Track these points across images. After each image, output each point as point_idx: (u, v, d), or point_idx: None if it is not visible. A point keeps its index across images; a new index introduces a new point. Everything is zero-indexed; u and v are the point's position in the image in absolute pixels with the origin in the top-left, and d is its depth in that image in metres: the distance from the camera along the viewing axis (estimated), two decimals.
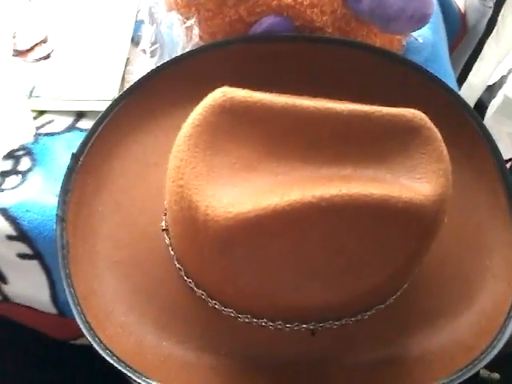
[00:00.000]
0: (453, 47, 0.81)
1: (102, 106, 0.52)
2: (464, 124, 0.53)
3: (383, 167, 0.40)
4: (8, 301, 0.54)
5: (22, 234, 0.49)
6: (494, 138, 0.52)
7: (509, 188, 0.51)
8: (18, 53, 0.62)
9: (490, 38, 0.77)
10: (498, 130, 0.85)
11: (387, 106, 0.42)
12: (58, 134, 0.55)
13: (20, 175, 0.52)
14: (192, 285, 0.44)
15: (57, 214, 0.45)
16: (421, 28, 0.55)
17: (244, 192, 0.38)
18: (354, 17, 0.55)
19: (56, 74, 0.60)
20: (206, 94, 0.41)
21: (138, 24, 0.63)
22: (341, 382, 0.44)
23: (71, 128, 0.56)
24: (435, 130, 0.41)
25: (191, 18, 0.56)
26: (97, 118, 0.50)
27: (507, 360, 0.48)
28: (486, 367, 0.46)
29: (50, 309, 0.53)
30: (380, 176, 0.40)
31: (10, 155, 0.53)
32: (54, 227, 0.45)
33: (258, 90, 0.42)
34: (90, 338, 0.42)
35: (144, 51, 0.60)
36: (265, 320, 0.43)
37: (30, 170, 0.52)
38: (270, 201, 0.36)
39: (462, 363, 0.44)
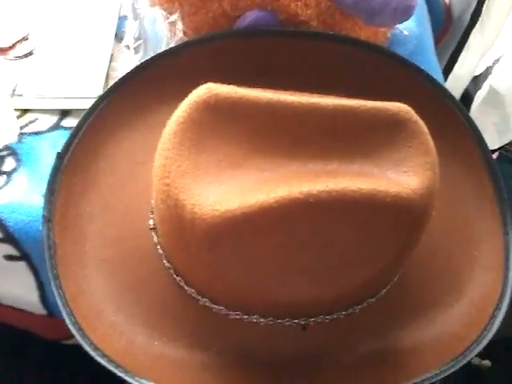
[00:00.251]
0: (438, 39, 0.81)
1: (87, 104, 0.51)
2: (450, 116, 0.53)
3: (369, 161, 0.40)
4: None
5: (8, 236, 0.48)
6: (480, 128, 0.53)
7: (495, 179, 0.51)
8: None
9: (475, 28, 0.77)
10: (483, 120, 0.86)
11: (373, 99, 0.42)
12: (43, 133, 0.55)
13: (4, 176, 0.51)
14: (182, 283, 0.44)
15: (43, 215, 0.45)
16: (405, 21, 0.55)
17: (230, 189, 0.37)
18: (339, 10, 0.55)
19: (39, 71, 0.59)
20: (191, 90, 0.41)
21: (122, 20, 0.63)
22: (334, 376, 0.44)
23: (56, 127, 0.55)
24: (421, 123, 0.41)
25: (174, 13, 0.55)
26: (81, 117, 0.49)
27: (497, 347, 0.49)
28: (477, 355, 0.46)
29: (40, 310, 0.53)
30: (367, 170, 0.40)
31: None
32: (41, 228, 0.45)
33: (244, 86, 0.42)
34: (79, 339, 0.42)
35: (128, 47, 0.60)
36: (256, 316, 0.43)
37: (14, 170, 0.52)
38: (256, 198, 0.36)
39: (453, 354, 0.45)
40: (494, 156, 0.90)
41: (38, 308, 0.53)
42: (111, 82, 0.56)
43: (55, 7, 0.64)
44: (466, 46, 0.79)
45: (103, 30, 0.62)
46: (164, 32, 0.57)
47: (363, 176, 0.39)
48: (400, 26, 0.62)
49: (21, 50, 0.61)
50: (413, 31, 0.64)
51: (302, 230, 0.37)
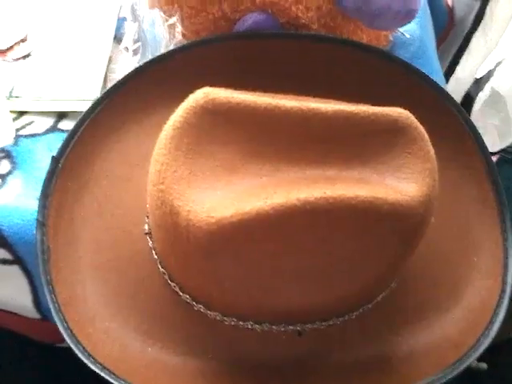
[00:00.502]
0: (440, 41, 0.80)
1: (84, 106, 0.51)
2: (450, 120, 0.52)
3: (369, 167, 0.39)
4: None
5: (1, 240, 0.48)
6: (481, 131, 0.52)
7: (495, 183, 0.50)
8: None
9: (477, 31, 0.76)
10: (485, 123, 0.85)
11: (373, 103, 0.41)
12: (39, 135, 0.54)
13: None
14: (176, 288, 0.43)
15: (37, 219, 0.44)
16: (407, 24, 0.55)
17: (227, 195, 0.37)
18: (340, 13, 0.54)
19: (36, 73, 0.58)
20: (189, 93, 0.40)
21: (121, 21, 0.62)
22: (329, 383, 0.44)
23: (52, 129, 0.55)
24: (421, 129, 0.40)
25: (174, 15, 0.55)
26: (77, 120, 0.49)
27: (494, 350, 0.48)
28: None
29: (34, 314, 0.52)
30: (366, 176, 0.39)
31: None
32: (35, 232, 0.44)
33: (243, 89, 0.41)
34: (72, 346, 0.41)
35: (126, 49, 0.59)
36: (251, 322, 0.42)
37: (9, 173, 0.51)
38: (253, 204, 0.35)
39: (449, 360, 0.44)
40: (495, 158, 0.90)
41: (31, 312, 0.52)
42: (109, 84, 0.55)
43: (54, 8, 0.63)
44: (468, 49, 0.79)
45: (102, 31, 0.62)
46: (163, 34, 0.56)
47: (362, 182, 0.38)
48: (402, 29, 0.61)
49: (19, 51, 0.60)
50: (415, 34, 0.64)
51: (298, 238, 0.37)
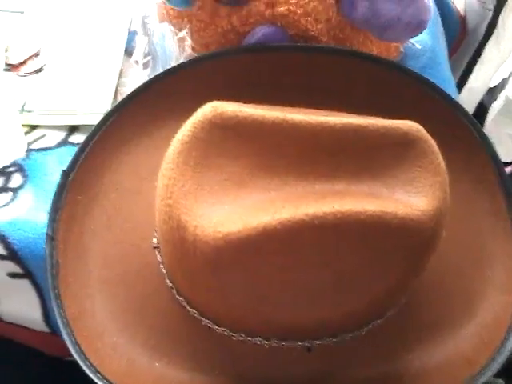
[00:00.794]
0: (452, 50, 0.80)
1: (95, 120, 0.51)
2: (463, 131, 0.51)
3: (378, 181, 0.39)
4: (0, 320, 0.53)
5: (12, 253, 0.48)
6: (496, 140, 0.51)
7: (509, 195, 0.50)
8: (11, 67, 0.61)
9: (490, 41, 0.75)
10: (499, 132, 0.84)
11: (384, 116, 0.41)
12: (50, 149, 0.55)
13: (11, 192, 0.51)
14: (184, 303, 0.43)
15: (46, 233, 0.45)
16: (418, 35, 0.54)
17: (234, 210, 0.37)
18: (349, 24, 0.54)
19: (48, 87, 0.59)
20: (198, 107, 0.40)
21: (131, 35, 0.62)
22: None
23: (63, 143, 0.55)
24: (432, 142, 0.40)
25: (183, 28, 0.55)
26: (88, 134, 0.49)
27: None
28: None
29: (43, 327, 0.53)
30: (375, 191, 0.39)
31: (1, 172, 0.52)
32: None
33: (252, 102, 0.41)
34: (80, 362, 0.41)
35: (137, 62, 0.60)
36: (259, 338, 0.42)
37: (21, 186, 0.52)
38: (260, 219, 0.35)
39: (462, 377, 0.44)
40: (510, 168, 0.89)
41: (40, 326, 0.52)
42: (120, 98, 0.56)
43: (66, 23, 0.64)
44: (480, 59, 0.78)
45: (113, 45, 0.62)
46: (173, 48, 0.57)
47: (371, 197, 0.38)
48: (413, 40, 0.61)
49: (32, 66, 0.61)
50: (426, 44, 0.63)
51: (306, 253, 0.36)
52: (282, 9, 0.51)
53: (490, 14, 0.74)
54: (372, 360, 0.44)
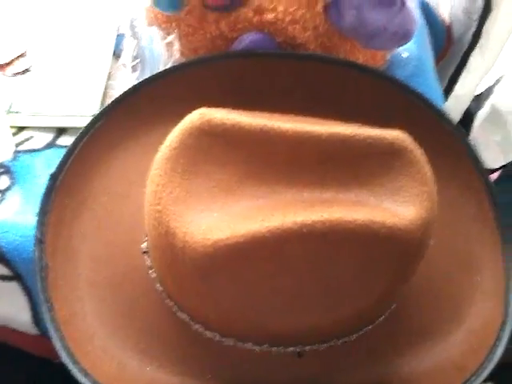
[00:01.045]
0: (439, 59, 0.81)
1: (83, 122, 0.51)
2: (449, 139, 0.52)
3: (366, 190, 0.39)
4: None
5: (0, 256, 0.48)
6: (483, 147, 0.52)
7: (495, 201, 0.51)
8: None
9: (474, 50, 0.76)
10: (486, 138, 0.85)
11: (370, 124, 0.41)
12: (38, 150, 0.54)
13: None
14: (174, 308, 0.43)
15: (35, 236, 0.44)
16: (404, 45, 0.55)
17: (223, 217, 0.37)
18: (337, 32, 0.54)
19: (35, 88, 0.59)
20: (187, 112, 0.40)
21: (120, 38, 0.62)
22: None
23: (51, 145, 0.55)
24: (418, 151, 0.40)
25: (172, 33, 0.55)
26: (76, 136, 0.49)
27: (502, 368, 0.48)
28: None
29: (32, 330, 0.52)
30: (363, 199, 0.39)
31: None
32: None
33: (240, 109, 0.41)
34: (70, 366, 0.41)
35: (125, 65, 0.60)
36: (250, 344, 0.42)
37: (8, 188, 0.51)
38: (249, 227, 0.35)
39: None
40: (498, 174, 0.90)
41: (30, 328, 0.52)
42: (108, 100, 0.56)
43: (53, 24, 0.64)
44: (466, 67, 0.79)
45: (101, 47, 0.62)
46: (161, 51, 0.57)
47: (359, 205, 0.38)
48: (400, 48, 0.62)
49: (18, 66, 0.61)
50: (413, 53, 0.64)
51: (295, 261, 0.37)
52: (270, 16, 0.52)
53: (475, 24, 0.75)
54: (362, 365, 0.45)
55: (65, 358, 0.41)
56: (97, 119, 0.50)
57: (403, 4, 0.52)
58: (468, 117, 0.88)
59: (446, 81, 0.82)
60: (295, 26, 0.52)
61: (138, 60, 0.59)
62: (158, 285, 0.44)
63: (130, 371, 0.42)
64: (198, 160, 0.39)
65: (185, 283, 0.39)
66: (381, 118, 0.42)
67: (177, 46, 0.55)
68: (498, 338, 0.45)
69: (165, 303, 0.44)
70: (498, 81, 0.86)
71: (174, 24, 0.55)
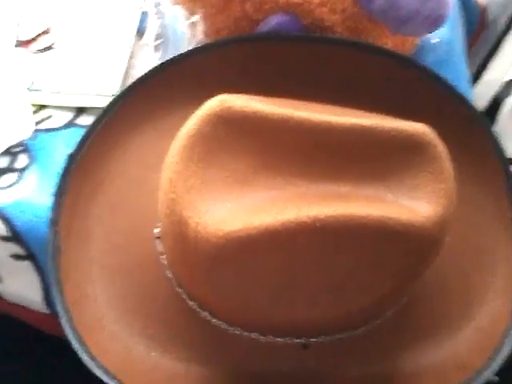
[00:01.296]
0: (471, 42, 0.78)
1: (103, 102, 0.51)
2: (473, 131, 0.50)
3: (384, 185, 0.38)
4: (1, 298, 0.54)
5: (15, 235, 0.48)
6: (508, 136, 0.50)
7: None
8: (21, 43, 0.60)
9: (509, 34, 0.74)
10: None
11: (394, 113, 0.40)
12: (57, 130, 0.54)
13: (16, 173, 0.51)
14: (183, 295, 0.43)
15: (50, 218, 0.44)
16: (435, 30, 0.53)
17: (237, 208, 0.36)
18: (366, 16, 0.53)
19: (57, 66, 0.58)
20: (206, 96, 0.40)
21: (143, 16, 0.61)
22: None
23: (70, 124, 0.54)
24: (441, 147, 0.39)
25: (196, 13, 0.54)
26: (95, 118, 0.48)
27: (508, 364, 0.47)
28: None
29: (44, 309, 0.53)
30: (380, 195, 0.38)
31: (7, 152, 0.52)
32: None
33: (261, 94, 0.40)
34: (76, 347, 0.41)
35: (147, 45, 0.59)
36: (256, 334, 0.42)
37: (26, 167, 0.51)
38: (262, 219, 0.35)
39: (455, 381, 0.44)
40: None
41: (42, 307, 0.53)
42: (129, 80, 0.55)
43: (77, 1, 0.63)
44: (498, 52, 0.76)
45: (124, 26, 0.61)
46: (185, 32, 0.56)
47: (375, 201, 0.37)
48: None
49: (41, 43, 0.60)
50: (444, 37, 0.62)
51: (305, 254, 0.36)
52: None
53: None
54: (367, 358, 0.44)
55: (72, 338, 0.42)
56: (116, 100, 0.49)
57: None
58: (496, 104, 0.85)
59: (476, 66, 0.79)
60: (323, 9, 0.50)
61: (161, 39, 0.58)
62: (169, 271, 0.44)
63: (135, 355, 0.43)
64: (214, 149, 0.38)
65: (195, 272, 0.39)
66: (405, 108, 0.41)
67: (201, 26, 0.54)
68: (504, 337, 0.44)
69: (174, 290, 0.44)
70: None
71: (198, 3, 0.54)
